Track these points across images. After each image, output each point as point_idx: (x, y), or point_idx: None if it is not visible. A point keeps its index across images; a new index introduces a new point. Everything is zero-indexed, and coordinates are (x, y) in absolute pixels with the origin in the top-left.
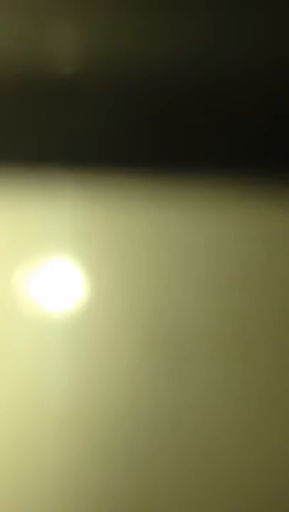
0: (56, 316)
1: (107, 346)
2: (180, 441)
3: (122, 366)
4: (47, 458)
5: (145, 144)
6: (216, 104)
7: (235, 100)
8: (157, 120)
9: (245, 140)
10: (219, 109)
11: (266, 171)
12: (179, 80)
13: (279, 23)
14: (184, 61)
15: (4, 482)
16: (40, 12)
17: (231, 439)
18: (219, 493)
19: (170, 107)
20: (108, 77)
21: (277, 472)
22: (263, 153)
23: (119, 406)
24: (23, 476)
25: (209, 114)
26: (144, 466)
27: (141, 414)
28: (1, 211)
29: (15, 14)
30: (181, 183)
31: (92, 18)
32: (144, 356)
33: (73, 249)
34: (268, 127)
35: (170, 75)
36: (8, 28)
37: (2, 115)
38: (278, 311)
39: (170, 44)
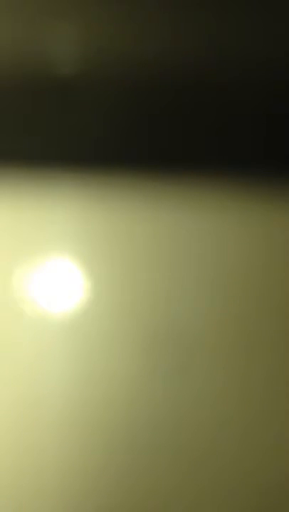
0: (56, 316)
1: (107, 346)
2: (180, 441)
3: (122, 366)
4: (47, 458)
5: (145, 143)
6: (216, 104)
7: (235, 100)
8: (157, 120)
9: (245, 140)
10: (219, 109)
11: (266, 171)
12: (179, 80)
13: (279, 23)
14: (184, 61)
15: (4, 482)
16: (40, 12)
17: (232, 439)
18: (219, 493)
19: (170, 107)
20: (108, 77)
21: (278, 472)
22: (263, 153)
23: (119, 406)
24: (23, 476)
25: (209, 114)
26: (144, 466)
27: (141, 414)
28: (0, 211)
29: (14, 14)
30: (181, 183)
31: (92, 17)
32: (144, 356)
33: (73, 249)
34: (268, 127)
35: (170, 75)
36: (7, 27)
37: (1, 115)
38: (279, 311)
39: (170, 44)
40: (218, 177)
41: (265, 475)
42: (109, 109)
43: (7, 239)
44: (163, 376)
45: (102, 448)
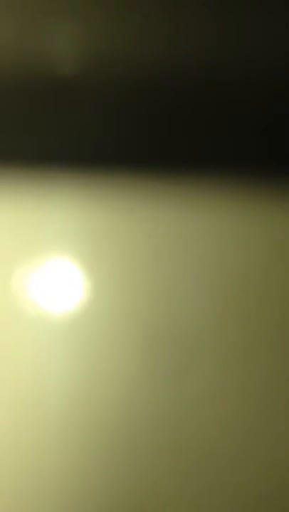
0: (56, 316)
1: (107, 346)
2: (180, 441)
3: (122, 366)
4: (47, 458)
5: (145, 143)
6: (216, 104)
7: (235, 100)
8: (157, 120)
9: (245, 140)
10: (219, 109)
11: (266, 171)
12: (179, 80)
13: (279, 23)
14: (184, 61)
15: (4, 482)
16: (40, 12)
17: (232, 439)
18: (219, 493)
19: (170, 107)
20: (108, 77)
21: (278, 472)
22: (263, 153)
23: (119, 406)
24: (23, 476)
25: (209, 114)
26: (144, 466)
27: (141, 415)
28: (0, 211)
29: (14, 14)
30: (181, 183)
31: (93, 17)
32: (144, 356)
33: (73, 249)
34: (268, 127)
35: (170, 75)
36: (7, 27)
37: (1, 115)
38: (278, 311)
39: (170, 44)
40: (218, 177)
41: (265, 475)
42: (109, 109)
43: (7, 239)
44: (163, 376)
45: (102, 448)
